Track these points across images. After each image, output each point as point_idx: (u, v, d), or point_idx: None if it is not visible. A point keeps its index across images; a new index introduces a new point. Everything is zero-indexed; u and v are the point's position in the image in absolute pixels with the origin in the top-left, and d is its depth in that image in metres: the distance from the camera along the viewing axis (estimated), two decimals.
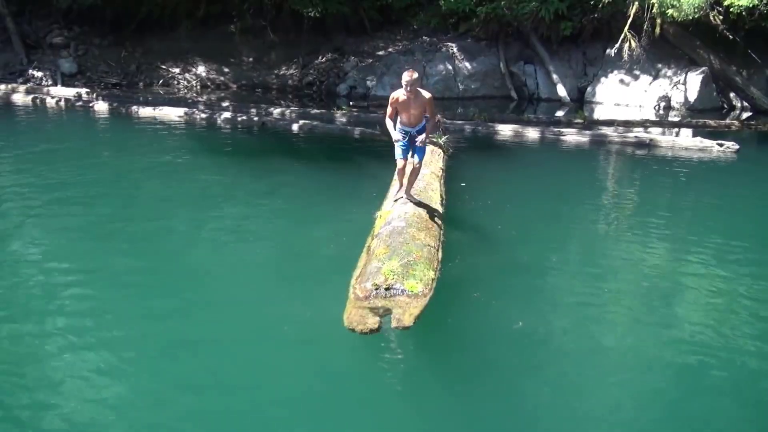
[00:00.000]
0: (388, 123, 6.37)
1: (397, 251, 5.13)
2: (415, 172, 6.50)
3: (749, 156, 12.42)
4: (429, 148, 9.26)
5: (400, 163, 6.40)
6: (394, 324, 4.25)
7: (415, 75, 6.00)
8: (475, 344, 4.83)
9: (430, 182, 7.48)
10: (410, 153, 6.42)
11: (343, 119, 14.47)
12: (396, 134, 6.34)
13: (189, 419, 3.87)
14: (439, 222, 6.19)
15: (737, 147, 12.19)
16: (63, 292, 5.42)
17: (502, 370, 4.52)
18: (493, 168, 10.91)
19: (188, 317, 5.11)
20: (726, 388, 4.42)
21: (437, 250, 5.57)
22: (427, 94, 6.17)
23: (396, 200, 6.45)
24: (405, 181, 6.47)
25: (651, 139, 13.00)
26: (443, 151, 9.59)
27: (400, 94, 6.12)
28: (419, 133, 6.33)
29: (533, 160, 12.17)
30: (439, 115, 12.13)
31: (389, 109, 6.28)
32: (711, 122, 15.35)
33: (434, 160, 8.72)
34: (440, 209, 6.65)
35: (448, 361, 4.61)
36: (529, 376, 4.48)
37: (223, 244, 6.76)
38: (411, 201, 6.35)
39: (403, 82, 5.98)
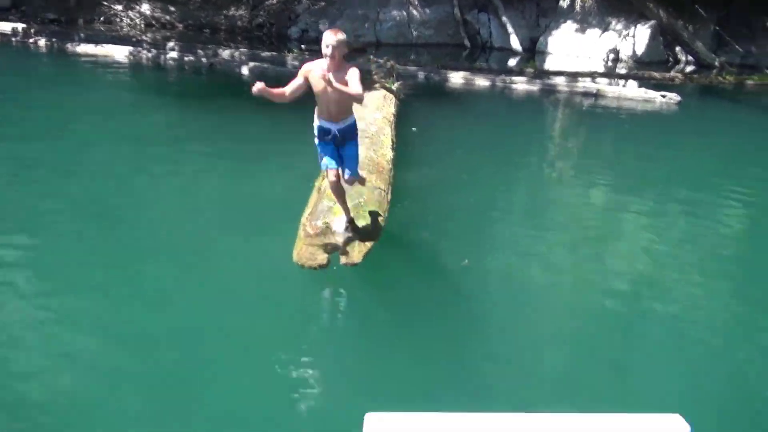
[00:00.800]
0: (287, 90, 4.41)
1: (347, 192, 5.19)
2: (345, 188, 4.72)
3: (690, 107, 12.86)
4: (380, 93, 9.30)
5: (330, 174, 4.55)
6: (342, 261, 4.36)
7: (341, 35, 4.20)
8: (422, 281, 4.99)
9: (382, 127, 7.52)
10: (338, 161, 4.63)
11: (296, 62, 14.18)
12: (270, 90, 4.27)
13: (138, 358, 3.88)
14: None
15: (679, 99, 12.61)
16: None
17: (448, 306, 4.69)
18: (444, 114, 10.98)
19: (132, 262, 4.97)
20: (658, 319, 4.73)
21: (387, 193, 5.66)
22: (355, 71, 4.31)
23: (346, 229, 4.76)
24: (342, 203, 4.77)
25: (598, 90, 13.27)
26: (395, 97, 9.60)
27: (316, 67, 4.32)
28: (347, 134, 4.54)
29: (484, 108, 12.29)
30: (391, 62, 12.07)
31: (294, 81, 4.40)
32: (656, 74, 15.72)
33: (386, 104, 8.74)
34: (391, 153, 6.71)
35: (396, 297, 4.75)
36: (474, 312, 4.67)
37: (168, 186, 6.65)
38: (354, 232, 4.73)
39: (324, 45, 4.20)
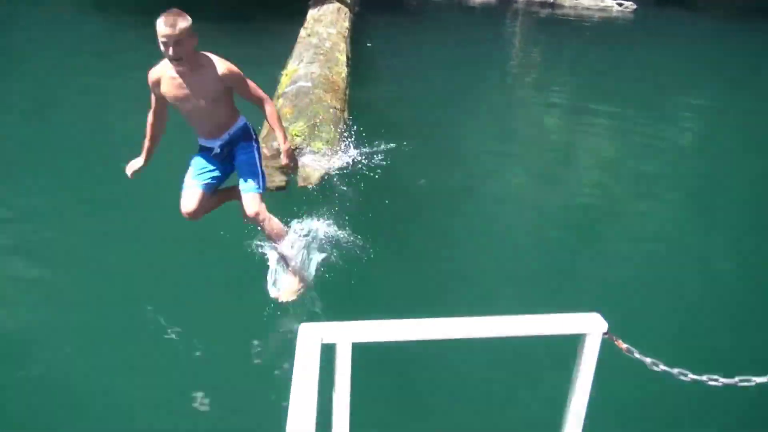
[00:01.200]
0: (148, 125, 3.17)
1: (303, 112, 5.17)
2: (263, 222, 3.21)
3: (645, 16, 12.89)
4: (334, 5, 9.01)
5: (186, 201, 3.16)
6: (300, 182, 4.41)
7: (183, 23, 2.71)
8: (379, 199, 5.08)
9: (337, 43, 7.38)
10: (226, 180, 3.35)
11: None
12: (141, 161, 3.26)
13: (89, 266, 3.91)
14: None
15: (635, 7, 12.63)
16: None
17: (398, 223, 4.79)
18: (400, 28, 10.79)
19: (83, 168, 4.82)
20: (602, 227, 4.98)
21: (342, 112, 5.66)
22: (223, 66, 2.91)
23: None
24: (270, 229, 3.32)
25: None
26: (349, 10, 9.36)
27: (163, 72, 2.91)
28: (236, 138, 3.17)
29: (441, 20, 12.09)
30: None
31: (152, 99, 3.08)
32: None
33: (340, 19, 8.53)
34: (346, 70, 6.64)
35: (349, 216, 4.84)
36: (421, 228, 4.78)
37: (112, 104, 6.36)
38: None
39: (160, 42, 2.73)
